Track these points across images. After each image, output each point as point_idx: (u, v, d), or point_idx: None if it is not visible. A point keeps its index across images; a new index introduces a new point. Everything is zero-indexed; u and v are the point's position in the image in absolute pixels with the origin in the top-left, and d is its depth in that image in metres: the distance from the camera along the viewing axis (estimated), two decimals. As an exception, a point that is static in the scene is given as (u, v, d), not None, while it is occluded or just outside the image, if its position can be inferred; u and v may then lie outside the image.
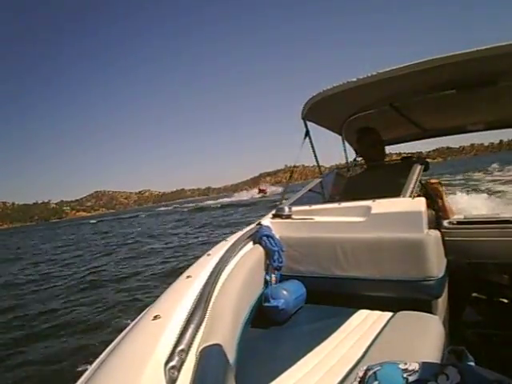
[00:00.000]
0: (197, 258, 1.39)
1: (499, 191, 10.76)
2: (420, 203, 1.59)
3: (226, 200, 47.11)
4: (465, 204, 6.51)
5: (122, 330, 1.07)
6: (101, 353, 0.97)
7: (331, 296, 1.59)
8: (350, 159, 2.93)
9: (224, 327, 0.96)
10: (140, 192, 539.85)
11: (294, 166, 2.57)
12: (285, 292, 1.51)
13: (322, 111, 2.41)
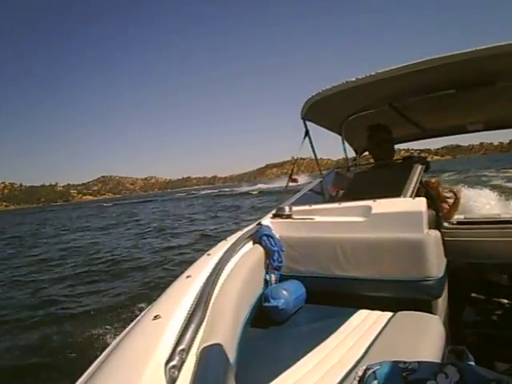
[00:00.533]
0: (197, 257, 1.38)
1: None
2: (420, 203, 1.59)
3: (263, 186, 47.80)
4: (472, 200, 6.46)
5: (122, 330, 1.08)
6: (101, 352, 0.98)
7: (331, 296, 1.59)
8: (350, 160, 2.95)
9: (224, 327, 0.96)
10: (146, 178, 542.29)
11: (296, 160, 2.55)
12: (285, 292, 1.51)
13: (321, 111, 2.41)
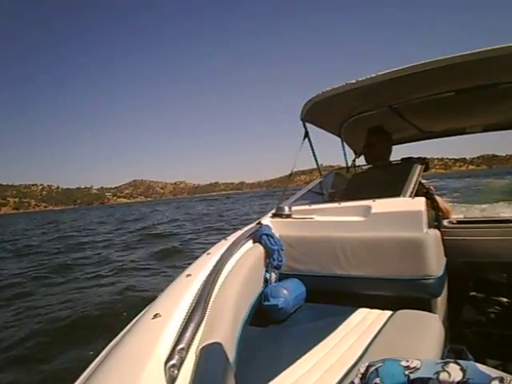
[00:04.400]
0: (196, 256, 1.39)
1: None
2: (420, 203, 1.59)
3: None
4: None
5: (121, 329, 1.06)
6: (101, 351, 0.97)
7: (331, 295, 1.60)
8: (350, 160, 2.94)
9: (224, 326, 0.96)
10: (176, 183, 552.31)
11: (296, 161, 2.50)
12: (284, 291, 1.51)
13: (320, 113, 2.41)
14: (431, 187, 2.21)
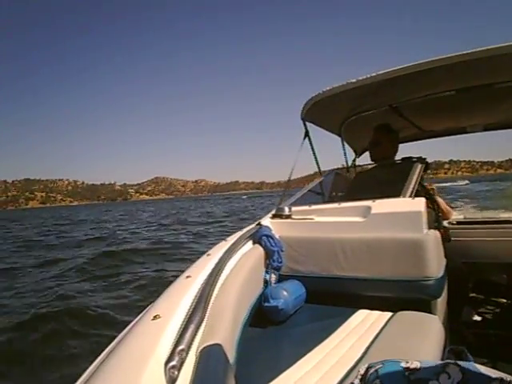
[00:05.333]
0: (196, 258, 1.38)
1: None
2: (420, 203, 1.58)
3: None
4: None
5: (122, 330, 1.07)
6: (100, 352, 0.97)
7: (331, 296, 1.59)
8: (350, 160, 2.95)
9: (224, 327, 0.96)
10: (196, 181, 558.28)
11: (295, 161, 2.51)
12: (284, 292, 1.51)
13: (321, 112, 2.41)
14: (433, 187, 2.21)
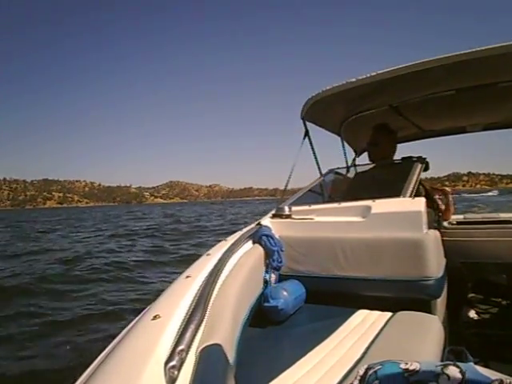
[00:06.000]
0: (196, 257, 1.38)
1: None
2: (420, 203, 1.58)
3: None
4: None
5: (121, 330, 1.06)
6: (100, 352, 0.97)
7: (331, 296, 1.60)
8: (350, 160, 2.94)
9: (224, 327, 0.96)
10: (210, 186, 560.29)
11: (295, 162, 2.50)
12: (284, 292, 1.51)
13: (321, 111, 2.41)
14: (446, 189, 2.19)
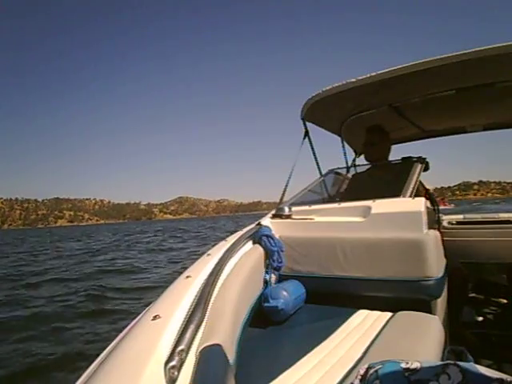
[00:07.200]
0: (196, 258, 1.39)
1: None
2: (420, 203, 1.58)
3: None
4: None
5: (121, 330, 1.07)
6: (101, 352, 0.97)
7: (331, 296, 1.60)
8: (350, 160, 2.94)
9: (224, 327, 0.96)
10: (219, 201, 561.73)
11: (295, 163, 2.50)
12: (284, 292, 1.51)
13: (321, 111, 2.42)
14: (428, 188, 2.22)
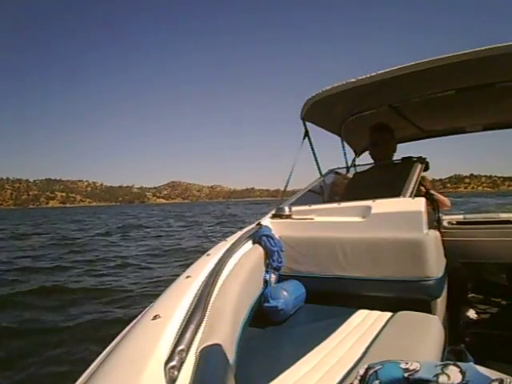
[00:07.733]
0: (196, 257, 1.39)
1: None
2: (420, 203, 1.58)
3: None
4: None
5: (121, 330, 1.06)
6: (100, 352, 0.97)
7: (331, 296, 1.60)
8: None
9: (224, 327, 0.96)
10: (212, 186, 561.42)
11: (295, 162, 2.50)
12: (284, 292, 1.51)
13: (321, 111, 2.42)
14: (428, 182, 2.22)
